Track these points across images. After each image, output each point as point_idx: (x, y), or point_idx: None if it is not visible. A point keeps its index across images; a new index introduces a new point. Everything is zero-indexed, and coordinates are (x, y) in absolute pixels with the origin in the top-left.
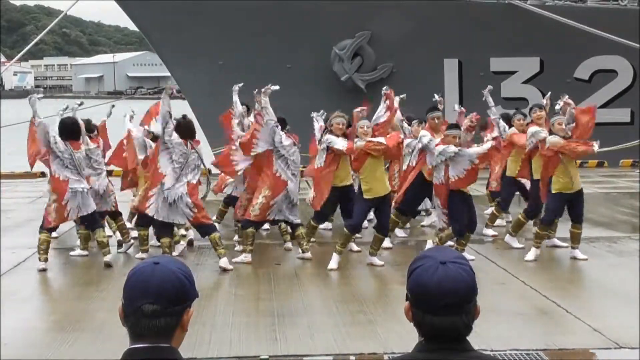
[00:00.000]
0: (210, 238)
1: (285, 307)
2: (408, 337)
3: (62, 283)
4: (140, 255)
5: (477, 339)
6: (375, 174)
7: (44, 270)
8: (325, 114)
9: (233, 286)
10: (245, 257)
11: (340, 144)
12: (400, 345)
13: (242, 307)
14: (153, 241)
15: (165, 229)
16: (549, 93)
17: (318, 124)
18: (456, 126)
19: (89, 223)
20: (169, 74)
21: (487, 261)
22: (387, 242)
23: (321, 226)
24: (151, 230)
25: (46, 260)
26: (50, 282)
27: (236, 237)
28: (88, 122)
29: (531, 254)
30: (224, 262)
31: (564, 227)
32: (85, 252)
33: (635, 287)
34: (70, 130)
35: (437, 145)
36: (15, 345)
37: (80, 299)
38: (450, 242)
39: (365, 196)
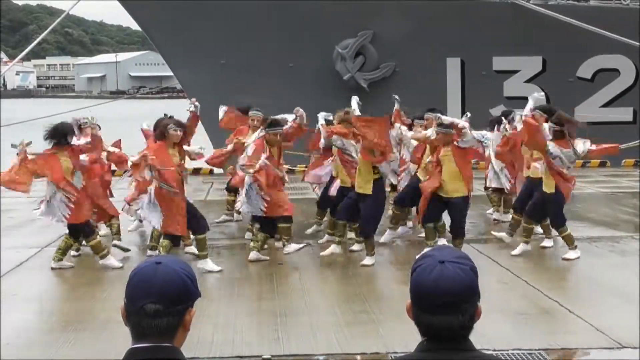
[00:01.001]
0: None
1: (287, 306)
2: (410, 337)
3: (64, 283)
4: (149, 252)
5: (480, 338)
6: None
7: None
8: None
9: (235, 286)
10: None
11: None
12: (403, 345)
13: (244, 307)
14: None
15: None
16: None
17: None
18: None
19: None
20: (171, 73)
21: (490, 261)
22: (386, 237)
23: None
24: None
25: (60, 260)
26: (52, 281)
27: (247, 235)
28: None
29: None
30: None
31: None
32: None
33: (637, 286)
34: (53, 135)
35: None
36: (17, 345)
37: (83, 298)
38: (445, 242)
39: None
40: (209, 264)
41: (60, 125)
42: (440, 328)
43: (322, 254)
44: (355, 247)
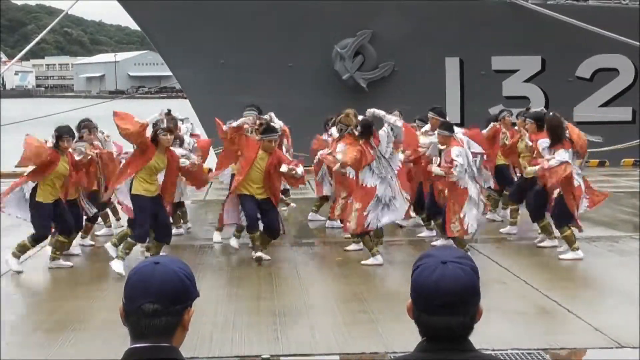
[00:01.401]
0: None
1: (286, 306)
2: (409, 337)
3: (63, 282)
4: (146, 254)
5: (479, 338)
6: None
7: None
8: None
9: (234, 286)
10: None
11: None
12: (402, 345)
13: (243, 307)
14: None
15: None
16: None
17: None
18: (449, 127)
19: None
20: (170, 73)
21: (489, 260)
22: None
23: (327, 225)
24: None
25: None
26: (51, 281)
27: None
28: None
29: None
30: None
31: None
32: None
33: (636, 286)
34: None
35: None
36: (16, 344)
37: (81, 298)
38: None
39: None
40: (115, 265)
41: (58, 128)
42: (440, 328)
43: (362, 262)
44: (352, 247)
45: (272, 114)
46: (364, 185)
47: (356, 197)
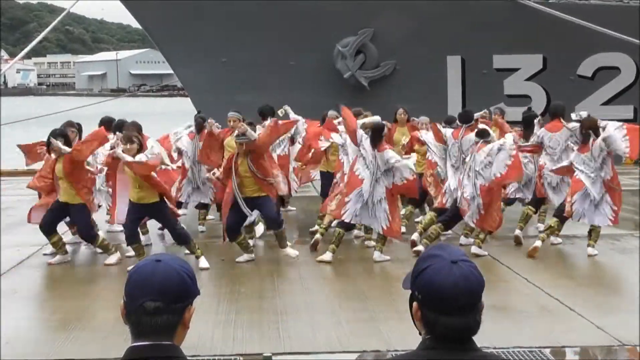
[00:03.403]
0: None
1: (288, 304)
2: (411, 335)
3: (64, 281)
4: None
5: (480, 336)
6: None
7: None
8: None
9: (236, 284)
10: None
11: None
12: (403, 343)
13: (245, 305)
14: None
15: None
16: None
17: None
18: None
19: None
20: (171, 71)
21: (490, 259)
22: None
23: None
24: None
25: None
26: (52, 280)
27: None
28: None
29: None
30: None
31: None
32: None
33: (638, 284)
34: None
35: None
36: (17, 343)
37: (82, 297)
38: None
39: None
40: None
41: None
42: (458, 329)
43: (375, 259)
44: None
45: (288, 108)
46: (355, 173)
47: (345, 182)
